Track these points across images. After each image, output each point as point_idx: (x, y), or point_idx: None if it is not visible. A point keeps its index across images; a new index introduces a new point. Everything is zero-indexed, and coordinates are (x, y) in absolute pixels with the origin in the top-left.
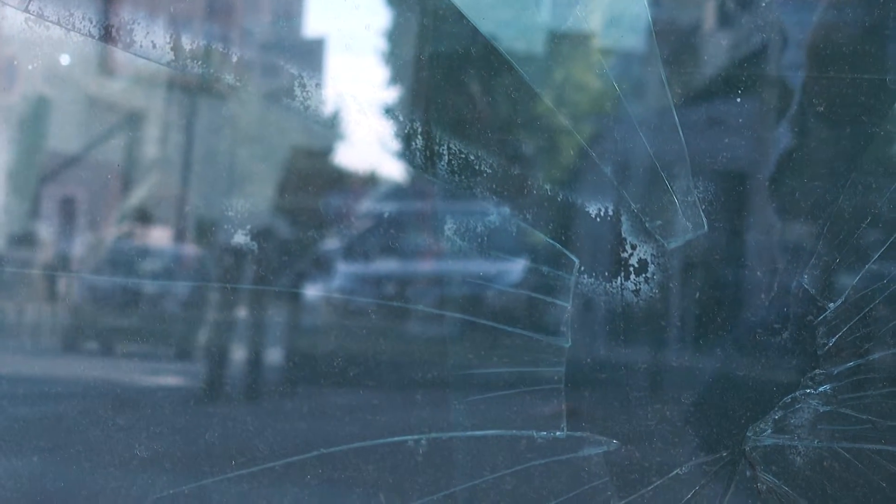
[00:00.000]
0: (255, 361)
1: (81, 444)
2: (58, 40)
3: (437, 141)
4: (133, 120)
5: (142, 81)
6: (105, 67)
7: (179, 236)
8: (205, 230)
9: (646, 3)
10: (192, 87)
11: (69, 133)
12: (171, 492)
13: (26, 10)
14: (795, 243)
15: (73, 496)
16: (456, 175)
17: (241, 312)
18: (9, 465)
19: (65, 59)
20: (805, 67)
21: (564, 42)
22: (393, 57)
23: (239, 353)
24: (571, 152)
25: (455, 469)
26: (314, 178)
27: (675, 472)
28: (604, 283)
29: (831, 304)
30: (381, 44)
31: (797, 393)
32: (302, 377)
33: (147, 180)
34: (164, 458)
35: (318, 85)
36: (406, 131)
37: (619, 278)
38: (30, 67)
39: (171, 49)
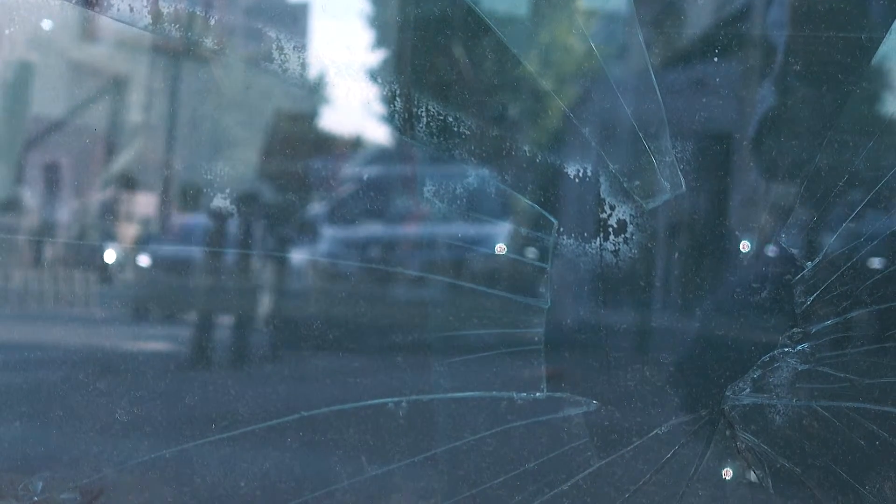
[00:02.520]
0: (236, 325)
1: (63, 410)
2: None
3: (416, 103)
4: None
5: (122, 46)
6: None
7: (161, 201)
8: (185, 194)
9: None
10: (171, 52)
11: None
12: (152, 456)
13: None
14: (773, 203)
15: (55, 461)
16: (435, 137)
17: (223, 277)
18: None
19: (47, 24)
20: (781, 27)
21: (544, 4)
22: (371, 19)
23: (221, 318)
24: (550, 114)
25: (436, 431)
26: (293, 141)
27: (654, 431)
28: (583, 243)
29: (809, 263)
30: (359, 6)
31: (776, 352)
32: (283, 341)
33: (128, 146)
34: (145, 423)
35: (295, 48)
36: (385, 94)
37: (597, 239)
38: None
39: (149, 13)
